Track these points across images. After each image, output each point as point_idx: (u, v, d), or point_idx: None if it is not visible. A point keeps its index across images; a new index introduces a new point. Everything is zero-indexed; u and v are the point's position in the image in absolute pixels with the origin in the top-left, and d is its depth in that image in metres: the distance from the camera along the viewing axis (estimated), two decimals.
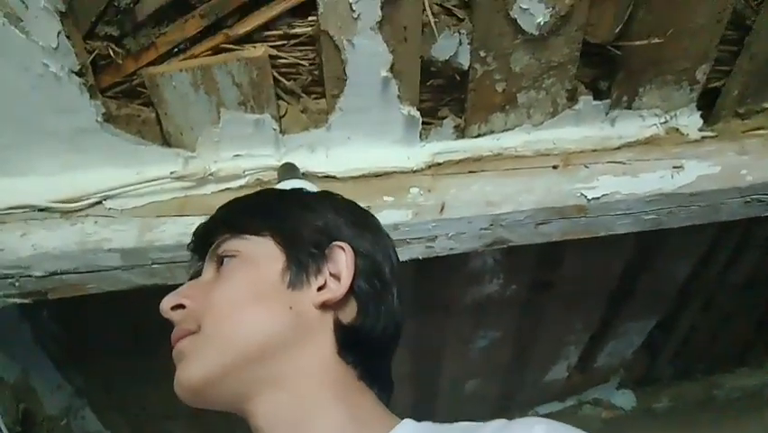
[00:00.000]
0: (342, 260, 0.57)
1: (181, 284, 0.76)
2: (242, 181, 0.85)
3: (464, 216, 0.85)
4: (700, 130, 0.95)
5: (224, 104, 0.80)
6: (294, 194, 0.66)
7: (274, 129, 0.83)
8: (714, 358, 1.91)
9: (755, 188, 0.91)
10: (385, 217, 0.83)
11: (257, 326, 0.53)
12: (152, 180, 0.81)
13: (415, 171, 0.88)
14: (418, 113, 0.85)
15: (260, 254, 0.57)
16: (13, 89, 0.73)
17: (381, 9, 0.73)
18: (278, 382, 0.53)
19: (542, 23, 0.78)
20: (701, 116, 0.96)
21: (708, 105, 0.97)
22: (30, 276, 0.81)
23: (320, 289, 0.56)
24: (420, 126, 0.87)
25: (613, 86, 0.90)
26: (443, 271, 1.15)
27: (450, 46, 0.79)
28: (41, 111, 0.76)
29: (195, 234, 0.65)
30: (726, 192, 0.91)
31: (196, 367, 0.52)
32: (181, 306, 0.57)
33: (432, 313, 1.27)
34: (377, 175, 0.87)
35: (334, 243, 0.58)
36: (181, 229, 0.81)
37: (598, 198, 0.87)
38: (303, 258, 0.57)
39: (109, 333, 1.21)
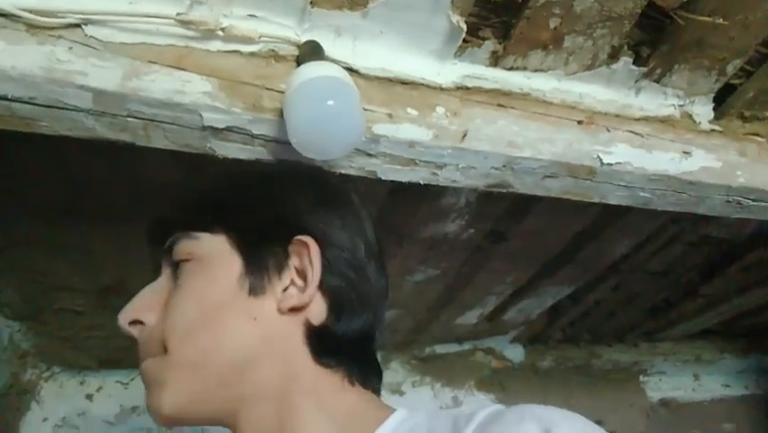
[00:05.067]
0: (306, 256, 0.51)
1: (157, 150, 0.68)
2: (254, 47, 0.72)
3: (482, 151, 0.80)
4: (710, 122, 0.96)
5: None
6: (248, 178, 0.60)
7: None
8: (600, 331, 2.07)
9: (741, 191, 0.94)
10: (405, 131, 0.76)
11: (222, 346, 0.49)
12: (150, 16, 0.66)
13: (443, 89, 0.80)
14: (465, 26, 0.77)
15: (214, 257, 0.52)
16: None
17: None
18: (256, 397, 0.49)
19: None
20: (713, 109, 0.96)
21: (721, 99, 0.97)
22: None
23: (285, 289, 0.51)
24: (460, 42, 0.79)
25: (653, 55, 0.87)
26: (414, 200, 1.10)
27: None
28: None
29: (148, 229, 0.59)
30: (718, 188, 0.93)
31: (166, 396, 0.49)
32: (140, 322, 0.54)
33: (384, 239, 1.23)
34: (403, 82, 0.78)
35: (297, 237, 0.52)
36: (174, 85, 0.67)
37: (611, 165, 0.85)
38: (262, 258, 0.52)
39: (22, 185, 1.03)
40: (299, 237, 0.52)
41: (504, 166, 0.83)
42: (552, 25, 0.79)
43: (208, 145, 0.73)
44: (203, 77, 0.69)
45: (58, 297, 1.33)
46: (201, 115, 0.69)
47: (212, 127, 0.70)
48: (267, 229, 0.53)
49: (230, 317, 0.49)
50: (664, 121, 0.92)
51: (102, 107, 0.67)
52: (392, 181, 0.83)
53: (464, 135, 0.79)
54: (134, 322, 0.54)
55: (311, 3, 0.72)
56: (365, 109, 0.74)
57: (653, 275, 1.64)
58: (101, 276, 1.23)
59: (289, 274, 0.51)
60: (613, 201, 0.93)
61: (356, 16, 0.74)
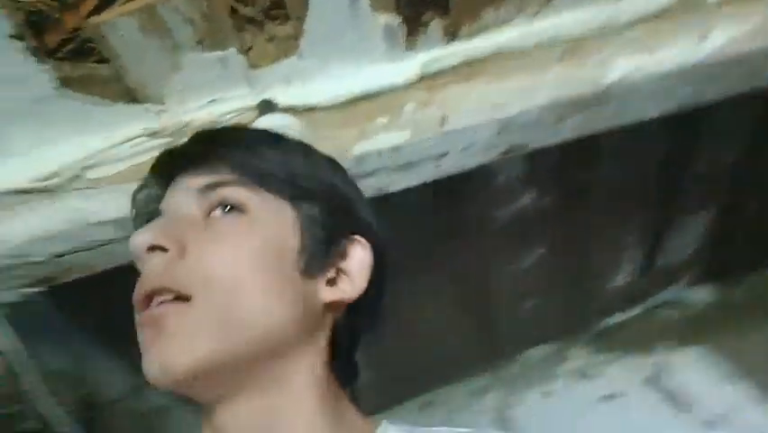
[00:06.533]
0: (359, 259, 0.48)
1: None
2: None
3: (469, 126, 0.77)
4: None
5: (179, 46, 0.72)
6: (319, 156, 0.53)
7: (242, 65, 0.76)
8: None
9: None
10: (382, 142, 0.76)
11: (267, 311, 0.43)
12: (127, 141, 0.76)
13: (406, 87, 0.79)
14: (398, 19, 0.76)
15: (275, 223, 0.46)
16: None
17: None
18: (264, 385, 0.44)
19: None
20: None
21: None
22: (34, 262, 0.79)
23: (329, 283, 0.47)
24: (404, 36, 0.78)
25: None
26: (466, 191, 1.08)
27: None
28: None
29: (173, 153, 0.50)
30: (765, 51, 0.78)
31: (187, 351, 0.41)
32: (162, 248, 0.43)
33: (462, 238, 1.20)
34: (364, 98, 0.79)
35: (355, 236, 0.48)
36: None
37: (616, 81, 0.76)
38: (319, 242, 0.47)
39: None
40: (358, 238, 0.49)
41: (501, 130, 0.79)
42: None
43: None
44: None
45: None
46: None
47: None
48: (333, 217, 0.49)
49: (282, 287, 0.44)
50: (659, 16, 0.79)
51: (125, 232, 0.77)
52: (426, 186, 0.83)
53: (443, 120, 0.77)
54: (154, 248, 0.44)
55: (250, 67, 0.77)
56: (333, 138, 0.76)
57: None
58: None
59: (335, 269, 0.48)
60: (653, 114, 0.82)
61: (294, 60, 0.77)
